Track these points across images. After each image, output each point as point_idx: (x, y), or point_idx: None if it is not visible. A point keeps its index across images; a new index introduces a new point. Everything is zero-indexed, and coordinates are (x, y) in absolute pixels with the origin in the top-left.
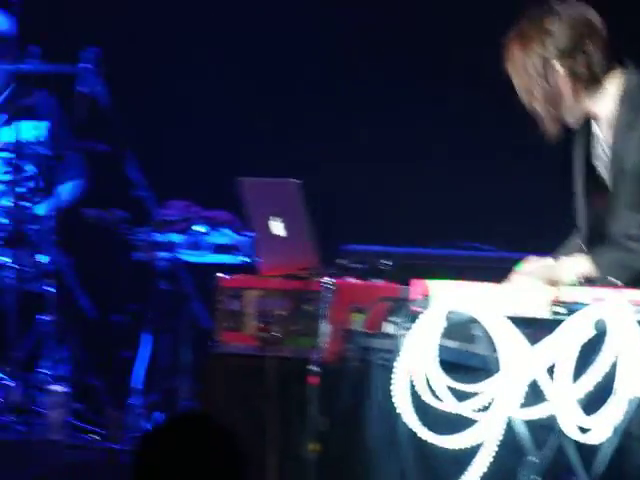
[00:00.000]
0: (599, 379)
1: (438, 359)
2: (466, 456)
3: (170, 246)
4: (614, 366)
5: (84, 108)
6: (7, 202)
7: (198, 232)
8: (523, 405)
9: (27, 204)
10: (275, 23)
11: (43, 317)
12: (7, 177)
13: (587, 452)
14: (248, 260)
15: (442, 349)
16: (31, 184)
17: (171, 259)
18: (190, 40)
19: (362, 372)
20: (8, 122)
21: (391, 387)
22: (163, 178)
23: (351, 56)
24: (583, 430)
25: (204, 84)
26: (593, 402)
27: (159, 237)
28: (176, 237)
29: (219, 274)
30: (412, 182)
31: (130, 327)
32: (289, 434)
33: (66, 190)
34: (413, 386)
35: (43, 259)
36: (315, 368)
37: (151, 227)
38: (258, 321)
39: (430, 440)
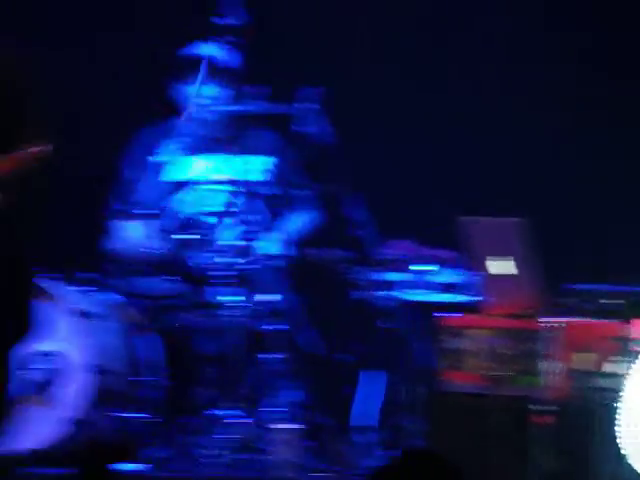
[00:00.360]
0: None
1: None
2: None
3: (391, 285)
4: None
5: (305, 147)
6: (233, 240)
7: (420, 270)
8: None
9: (253, 242)
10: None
11: (271, 355)
12: (233, 213)
13: None
14: (471, 299)
15: None
16: (258, 221)
17: (392, 298)
18: (409, 79)
19: (587, 412)
20: (233, 157)
21: (616, 427)
22: (385, 217)
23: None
24: None
25: (424, 123)
26: None
27: (380, 276)
28: (397, 276)
29: (441, 313)
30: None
31: (355, 366)
32: (515, 473)
33: (292, 227)
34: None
35: (271, 297)
36: (541, 407)
37: (372, 266)
38: (482, 360)
39: None
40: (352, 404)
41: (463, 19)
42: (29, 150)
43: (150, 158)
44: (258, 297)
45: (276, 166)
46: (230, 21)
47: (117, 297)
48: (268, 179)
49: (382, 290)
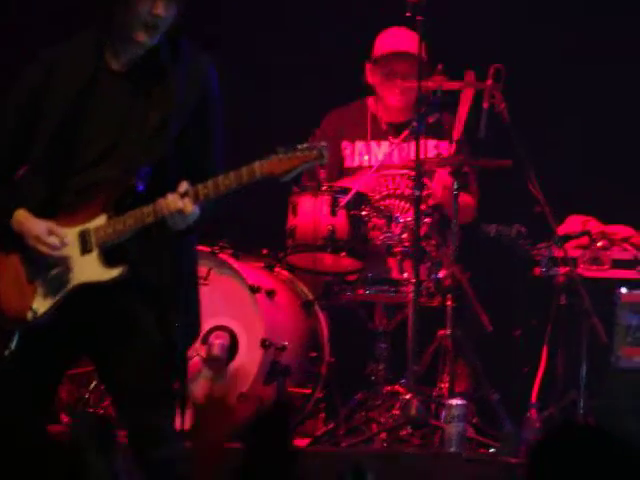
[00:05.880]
0: None
1: None
2: None
3: (570, 261)
4: None
5: (487, 124)
6: (410, 219)
7: (598, 247)
8: None
9: (429, 221)
10: None
11: (443, 331)
12: (412, 194)
13: None
14: None
15: None
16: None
17: (570, 274)
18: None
19: None
20: (412, 139)
21: None
22: (562, 192)
23: None
24: None
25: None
26: None
27: (559, 252)
28: (576, 252)
29: (619, 289)
30: None
31: (529, 342)
32: None
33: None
34: None
35: (446, 274)
36: None
37: (551, 242)
38: None
39: None
40: (527, 380)
41: None
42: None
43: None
44: (431, 273)
45: (454, 145)
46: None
47: (293, 273)
48: (444, 159)
49: (560, 266)
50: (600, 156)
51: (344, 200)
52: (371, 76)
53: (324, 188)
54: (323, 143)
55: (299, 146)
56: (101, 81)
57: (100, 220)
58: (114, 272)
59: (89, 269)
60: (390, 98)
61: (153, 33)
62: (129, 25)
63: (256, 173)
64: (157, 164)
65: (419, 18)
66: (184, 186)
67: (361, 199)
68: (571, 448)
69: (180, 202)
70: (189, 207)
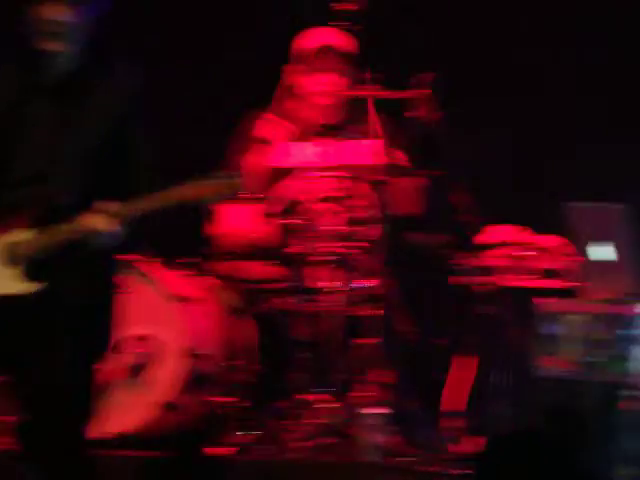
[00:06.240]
0: None
1: None
2: None
3: (492, 271)
4: None
5: (416, 133)
6: (336, 225)
7: (519, 256)
8: None
9: (356, 227)
10: None
11: (365, 340)
12: (339, 198)
13: None
14: (569, 284)
15: None
16: (362, 206)
17: (492, 284)
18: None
19: None
20: (343, 143)
21: None
22: (487, 202)
23: None
24: None
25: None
26: None
27: (480, 261)
28: (497, 261)
29: (538, 298)
30: None
31: (452, 351)
32: (602, 458)
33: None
34: None
35: (369, 282)
36: (632, 393)
37: (473, 251)
38: (577, 345)
39: None
40: (443, 389)
41: None
42: (227, 181)
43: (258, 142)
44: (356, 282)
45: (385, 151)
46: (348, 6)
47: (215, 281)
48: (376, 164)
49: (481, 275)
50: (531, 166)
51: (270, 207)
52: (293, 77)
53: (250, 196)
54: (240, 173)
55: (218, 174)
56: (29, 97)
57: (25, 234)
58: (33, 286)
59: (9, 282)
60: (316, 96)
61: (55, 39)
62: (33, 36)
63: (172, 199)
64: (85, 180)
65: (356, 27)
66: (108, 205)
67: (287, 206)
68: (515, 455)
69: (104, 221)
70: (112, 226)
